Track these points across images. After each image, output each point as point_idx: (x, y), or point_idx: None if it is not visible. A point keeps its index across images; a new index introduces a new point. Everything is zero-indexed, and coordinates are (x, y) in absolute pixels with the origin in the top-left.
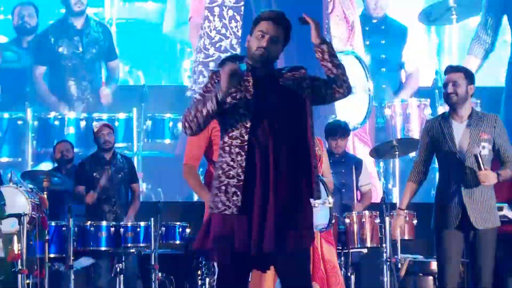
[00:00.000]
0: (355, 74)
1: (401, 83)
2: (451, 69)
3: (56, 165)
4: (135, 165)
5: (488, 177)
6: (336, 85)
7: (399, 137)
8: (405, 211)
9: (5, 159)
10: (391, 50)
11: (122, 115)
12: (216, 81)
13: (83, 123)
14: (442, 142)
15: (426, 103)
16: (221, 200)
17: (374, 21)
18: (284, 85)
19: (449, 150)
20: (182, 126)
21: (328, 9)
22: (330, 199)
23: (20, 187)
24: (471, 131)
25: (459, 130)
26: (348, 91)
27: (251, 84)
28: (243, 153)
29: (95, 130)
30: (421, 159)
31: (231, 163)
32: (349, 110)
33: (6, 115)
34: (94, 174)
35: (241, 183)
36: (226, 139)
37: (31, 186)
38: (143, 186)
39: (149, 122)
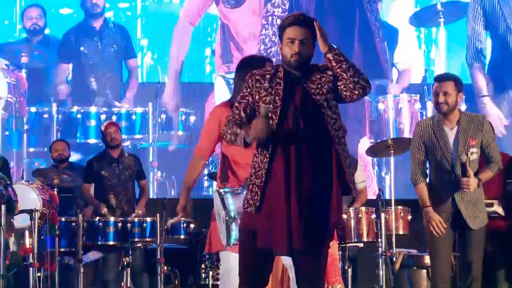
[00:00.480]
0: None
1: (392, 81)
2: (441, 78)
3: (52, 163)
4: (151, 155)
5: (470, 184)
6: (350, 87)
7: (391, 129)
8: (429, 207)
9: (32, 149)
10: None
11: (139, 109)
12: (251, 84)
13: (103, 116)
14: (435, 147)
15: (416, 99)
16: (247, 198)
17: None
18: (308, 89)
19: (442, 155)
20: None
21: None
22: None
23: (32, 184)
24: (461, 137)
25: (450, 136)
26: (363, 90)
27: (281, 88)
28: (268, 156)
29: (103, 128)
30: (417, 160)
31: (261, 164)
32: None
33: (33, 109)
34: (102, 172)
35: (262, 184)
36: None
37: (41, 183)
38: (157, 174)
39: (163, 116)
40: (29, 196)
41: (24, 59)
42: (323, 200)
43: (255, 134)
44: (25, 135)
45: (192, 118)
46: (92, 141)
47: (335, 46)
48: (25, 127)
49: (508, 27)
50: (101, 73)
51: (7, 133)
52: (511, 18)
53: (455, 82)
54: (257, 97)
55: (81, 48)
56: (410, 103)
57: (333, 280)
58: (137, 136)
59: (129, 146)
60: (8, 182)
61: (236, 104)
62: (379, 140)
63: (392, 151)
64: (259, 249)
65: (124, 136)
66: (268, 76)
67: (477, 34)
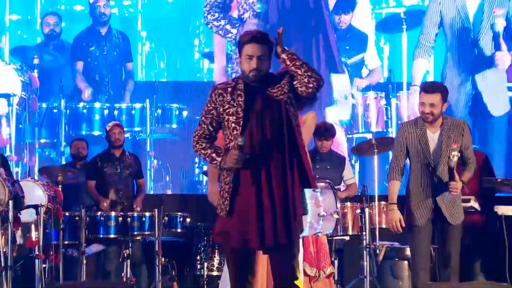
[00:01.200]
0: None
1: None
2: (429, 89)
3: (71, 159)
4: (148, 145)
5: (458, 188)
6: (305, 82)
7: (360, 123)
8: (394, 204)
9: (43, 140)
10: (355, 53)
11: (138, 105)
12: (215, 99)
13: (106, 111)
14: (418, 150)
15: (382, 96)
16: (219, 204)
17: (341, 30)
18: (270, 95)
19: (424, 158)
20: (193, 142)
21: None
22: (336, 215)
23: (37, 181)
24: (443, 141)
25: (433, 140)
26: (317, 83)
27: (243, 100)
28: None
29: (108, 128)
30: (398, 160)
31: (228, 171)
32: None
33: (44, 105)
34: (105, 169)
35: (231, 189)
36: (227, 148)
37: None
38: (154, 162)
39: (159, 111)
40: (35, 192)
41: (35, 61)
42: (290, 195)
43: (230, 164)
44: (36, 128)
45: (185, 113)
46: (96, 133)
47: (287, 48)
48: (37, 120)
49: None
50: (104, 73)
51: (21, 126)
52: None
53: (442, 93)
54: (221, 109)
55: (91, 48)
56: (376, 99)
57: (324, 264)
58: (136, 129)
59: (129, 137)
60: (16, 179)
61: (202, 118)
62: (349, 133)
63: (375, 150)
64: (237, 249)
65: (124, 129)
66: (229, 89)
67: (428, 33)
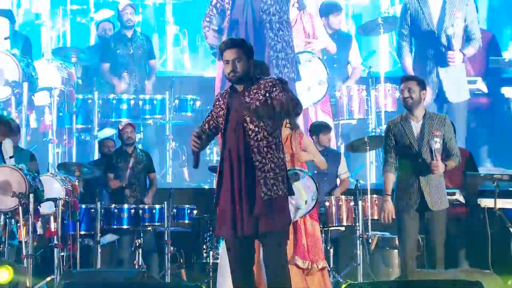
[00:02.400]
0: (318, 69)
1: (348, 75)
2: (405, 79)
3: (99, 156)
4: (167, 129)
5: (439, 167)
6: (282, 101)
7: (345, 111)
8: (388, 195)
9: (79, 126)
10: (341, 52)
11: (158, 96)
12: (214, 104)
13: (132, 102)
14: (404, 138)
15: (363, 88)
16: (215, 197)
17: (329, 32)
18: (249, 98)
19: (409, 145)
20: None
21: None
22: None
23: (56, 176)
24: (426, 129)
25: (416, 128)
26: (294, 107)
27: (226, 102)
28: (222, 160)
29: (120, 127)
30: (389, 154)
31: (221, 167)
32: (313, 91)
33: (80, 96)
34: (120, 164)
35: (217, 182)
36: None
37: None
38: (172, 144)
39: (176, 101)
40: (54, 186)
41: (73, 59)
42: (254, 194)
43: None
44: (74, 115)
45: (198, 103)
46: (123, 119)
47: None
48: (74, 109)
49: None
50: (131, 69)
51: (61, 114)
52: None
53: (417, 81)
54: (215, 113)
55: (118, 51)
56: (358, 91)
57: (317, 258)
58: (157, 116)
59: (152, 124)
60: (36, 174)
61: (207, 118)
62: (335, 119)
63: (368, 147)
64: (229, 237)
65: (147, 116)
66: (224, 94)
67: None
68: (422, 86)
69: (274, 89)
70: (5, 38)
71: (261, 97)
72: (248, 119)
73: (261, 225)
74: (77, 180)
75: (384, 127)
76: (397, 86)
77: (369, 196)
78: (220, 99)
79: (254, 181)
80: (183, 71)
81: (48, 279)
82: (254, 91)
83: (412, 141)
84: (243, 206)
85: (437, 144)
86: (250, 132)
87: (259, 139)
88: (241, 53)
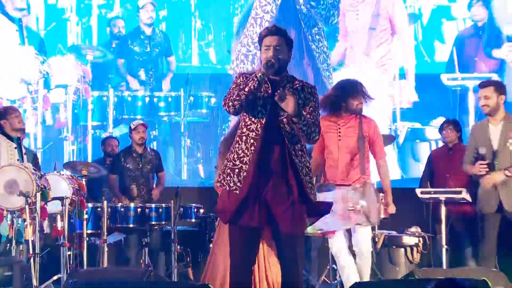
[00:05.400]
0: None
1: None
2: (482, 85)
3: (103, 155)
4: (182, 126)
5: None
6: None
7: None
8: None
9: (95, 123)
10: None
11: (173, 93)
12: (243, 78)
13: (147, 99)
14: (481, 141)
15: None
16: (233, 181)
17: None
18: (289, 93)
19: (487, 149)
20: (225, 105)
21: None
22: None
23: (62, 175)
24: (503, 131)
25: (494, 131)
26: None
27: (269, 87)
28: (256, 144)
29: (133, 127)
30: (469, 156)
31: (246, 151)
32: None
33: (95, 93)
34: (127, 165)
35: (252, 168)
36: (244, 130)
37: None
38: (187, 141)
39: (191, 98)
40: (61, 185)
41: (89, 57)
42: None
43: (263, 65)
44: (89, 112)
45: (213, 100)
46: (138, 117)
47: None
48: (90, 106)
49: None
50: (148, 67)
51: (76, 111)
52: None
53: (494, 86)
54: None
55: (135, 48)
56: None
57: None
58: (172, 113)
59: (167, 121)
60: (43, 173)
61: (233, 86)
62: None
63: None
64: (244, 226)
65: (162, 113)
66: (262, 76)
67: None
68: (500, 91)
69: (313, 98)
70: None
71: (300, 100)
72: (285, 120)
73: (289, 225)
74: (83, 179)
75: (398, 124)
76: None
77: None
78: (258, 79)
79: (288, 180)
80: (208, 66)
81: (55, 278)
82: (294, 87)
83: (490, 145)
84: (271, 200)
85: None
86: (287, 131)
87: (295, 141)
88: (283, 41)
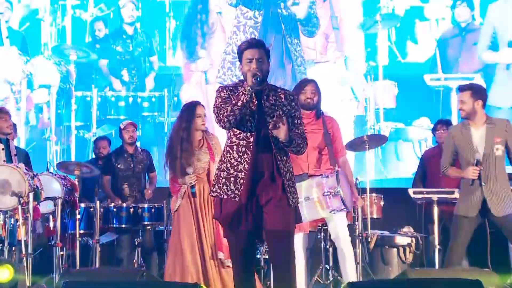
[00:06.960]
0: None
1: None
2: (459, 89)
3: (94, 156)
4: (166, 126)
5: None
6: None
7: None
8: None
9: (78, 123)
10: None
11: (157, 93)
12: (228, 91)
13: (130, 99)
14: (463, 146)
15: None
16: (231, 189)
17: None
18: (272, 102)
19: (469, 153)
20: (220, 122)
21: None
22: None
23: (55, 175)
24: (488, 136)
25: (476, 135)
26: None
27: (254, 98)
28: (249, 152)
29: (122, 127)
30: (447, 157)
31: (239, 159)
32: None
33: (79, 93)
34: (119, 165)
35: (248, 176)
36: (234, 139)
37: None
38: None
39: (175, 98)
40: (53, 185)
41: (72, 57)
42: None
43: (251, 77)
44: (73, 112)
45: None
46: (122, 117)
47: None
48: (73, 106)
49: None
50: (130, 68)
51: (59, 111)
52: None
53: (472, 91)
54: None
55: (117, 48)
56: None
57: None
58: (156, 113)
59: (150, 120)
60: (35, 173)
61: (219, 101)
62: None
63: (367, 146)
64: (244, 231)
65: (146, 113)
66: (248, 89)
67: None
68: (476, 96)
69: (296, 107)
70: None
71: (284, 108)
72: (271, 126)
73: (273, 222)
74: (76, 179)
75: (382, 124)
76: (395, 83)
77: (368, 194)
78: (249, 93)
79: (276, 183)
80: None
81: (47, 278)
82: (275, 97)
83: (473, 148)
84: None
85: (498, 151)
86: (275, 139)
87: (281, 148)
88: (263, 53)
